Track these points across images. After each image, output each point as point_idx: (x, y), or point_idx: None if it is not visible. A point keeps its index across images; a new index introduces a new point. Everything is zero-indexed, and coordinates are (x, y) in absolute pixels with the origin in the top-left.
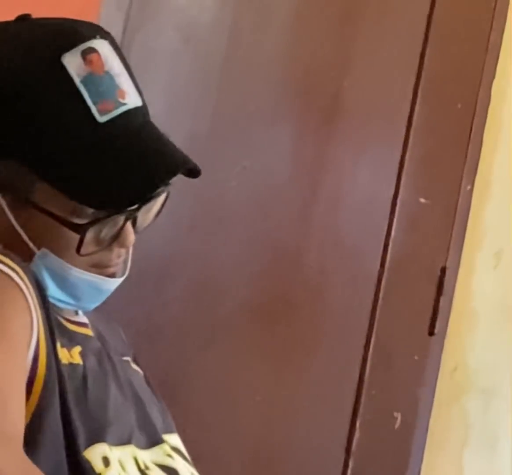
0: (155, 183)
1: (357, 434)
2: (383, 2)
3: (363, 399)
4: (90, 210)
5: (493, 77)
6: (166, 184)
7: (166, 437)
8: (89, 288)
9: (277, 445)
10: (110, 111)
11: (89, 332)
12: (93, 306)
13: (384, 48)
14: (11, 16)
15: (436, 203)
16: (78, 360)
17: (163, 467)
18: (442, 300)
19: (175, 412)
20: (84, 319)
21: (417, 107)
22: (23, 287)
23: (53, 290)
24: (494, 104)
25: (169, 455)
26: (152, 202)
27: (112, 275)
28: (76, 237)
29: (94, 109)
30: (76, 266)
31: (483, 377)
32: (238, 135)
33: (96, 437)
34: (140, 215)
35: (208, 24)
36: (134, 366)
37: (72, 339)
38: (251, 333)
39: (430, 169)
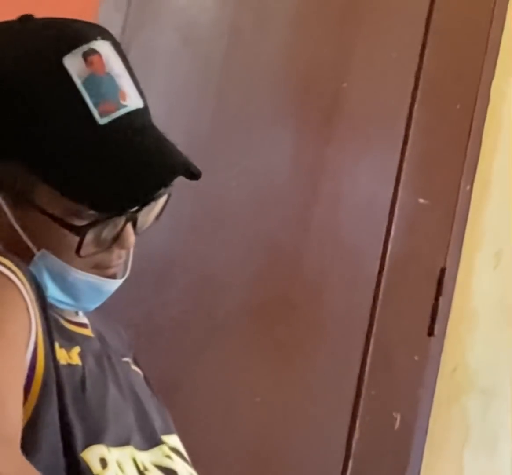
0: (155, 185)
1: (356, 435)
2: (382, 3)
3: (362, 399)
4: (91, 212)
5: (492, 77)
6: (167, 186)
7: (165, 438)
8: (89, 289)
9: (277, 445)
10: (111, 112)
11: (89, 332)
12: (93, 306)
13: (384, 49)
14: (10, 16)
15: (435, 204)
16: (77, 360)
17: (162, 468)
18: (441, 301)
19: (174, 412)
20: (84, 320)
21: (416, 108)
22: (22, 288)
23: (53, 291)
24: (493, 105)
25: (168, 456)
26: (153, 204)
27: (112, 276)
28: (76, 238)
29: (95, 111)
30: (76, 267)
31: (483, 377)
32: (238, 136)
33: (94, 438)
34: (141, 216)
35: (207, 24)
36: (134, 367)
37: (71, 339)
38: (250, 333)
39: (430, 169)
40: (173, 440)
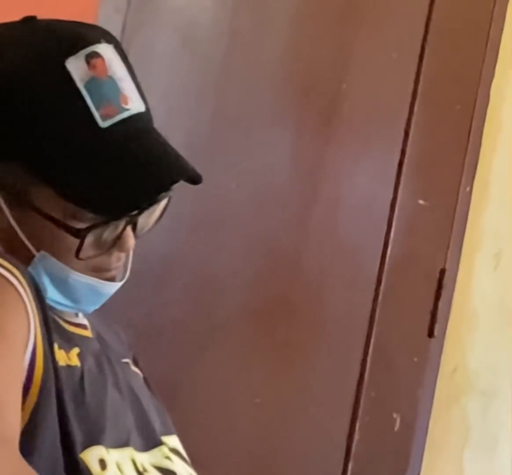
0: (156, 190)
1: (356, 436)
2: (382, 5)
3: (362, 400)
4: (90, 215)
5: (492, 78)
6: (167, 190)
7: (165, 439)
8: (88, 291)
9: (277, 446)
10: (112, 116)
11: (88, 333)
12: (92, 309)
13: (383, 50)
14: (10, 18)
15: (435, 205)
16: (76, 362)
17: (161, 470)
18: (441, 302)
19: (174, 413)
20: (84, 321)
21: (416, 109)
22: (21, 289)
23: (52, 293)
24: (493, 105)
25: (168, 457)
26: (153, 207)
27: (111, 279)
28: (75, 241)
29: (96, 114)
30: (75, 269)
31: (482, 378)
32: (237, 136)
33: (93, 440)
34: (141, 219)
35: (207, 25)
36: (133, 368)
37: (70, 340)
38: (250, 334)
39: (429, 170)
40: (173, 441)
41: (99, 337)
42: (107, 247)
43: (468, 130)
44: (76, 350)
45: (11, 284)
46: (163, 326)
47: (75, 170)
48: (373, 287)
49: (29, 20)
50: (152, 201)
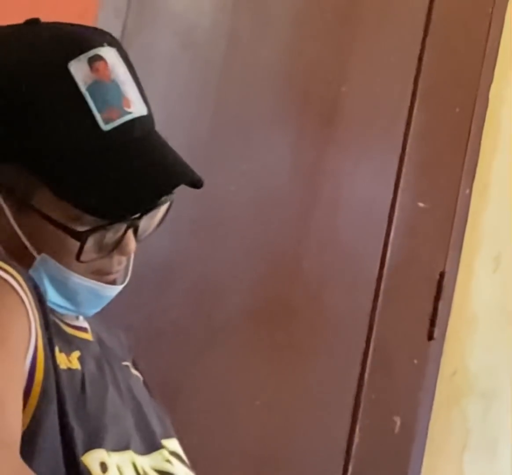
0: (157, 193)
1: (357, 439)
2: (381, 8)
3: (362, 403)
4: (92, 218)
5: (491, 81)
6: (169, 194)
7: (165, 442)
8: (89, 294)
9: (277, 449)
10: (114, 119)
11: (88, 336)
12: (93, 312)
13: (382, 53)
14: (9, 20)
15: (434, 207)
16: (76, 365)
17: (162, 473)
18: (441, 304)
19: (174, 416)
20: (85, 324)
21: (415, 111)
22: (22, 293)
23: (52, 296)
24: (492, 108)
25: (168, 461)
26: (154, 211)
27: (112, 282)
28: (76, 243)
29: (98, 117)
30: (76, 272)
31: (482, 380)
32: (237, 140)
33: (94, 443)
34: (142, 223)
35: (206, 28)
36: (133, 371)
37: (71, 344)
38: (250, 337)
39: (429, 173)
40: (173, 444)
41: (99, 340)
42: (108, 250)
43: (468, 132)
44: (77, 354)
45: (12, 287)
46: (164, 329)
47: (77, 173)
48: (373, 289)
49: (33, 23)
50: (153, 204)
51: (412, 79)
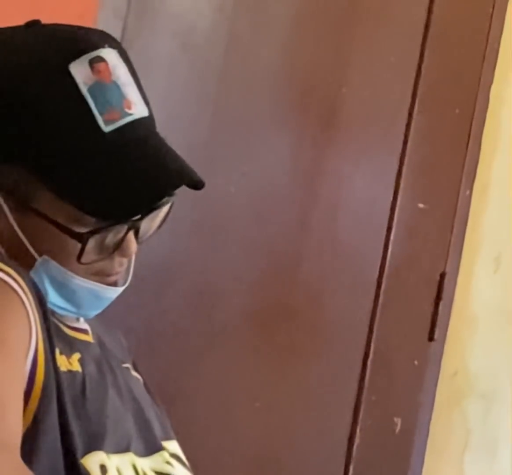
0: (158, 194)
1: (357, 440)
2: (380, 9)
3: (363, 404)
4: (93, 219)
5: (491, 82)
6: (170, 195)
7: (165, 444)
8: (89, 296)
9: (277, 451)
10: (115, 120)
11: (89, 338)
12: (93, 313)
13: (382, 54)
14: (9, 22)
15: (435, 209)
16: (77, 367)
17: None
18: (441, 305)
19: (174, 418)
20: (85, 326)
21: (415, 113)
22: (22, 295)
23: (53, 297)
24: (492, 109)
25: (168, 463)
26: (155, 212)
27: (113, 284)
28: (77, 245)
29: (99, 118)
30: (77, 274)
31: (483, 381)
32: (236, 142)
33: (94, 445)
34: (143, 225)
35: (205, 30)
36: (133, 373)
37: (71, 346)
38: (250, 339)
39: (429, 174)
40: (173, 446)
41: (100, 342)
42: (109, 252)
43: (468, 133)
44: (77, 355)
45: (13, 289)
46: (163, 331)
47: (77, 174)
48: (373, 290)
49: (33, 25)
50: (154, 206)
51: (412, 80)
